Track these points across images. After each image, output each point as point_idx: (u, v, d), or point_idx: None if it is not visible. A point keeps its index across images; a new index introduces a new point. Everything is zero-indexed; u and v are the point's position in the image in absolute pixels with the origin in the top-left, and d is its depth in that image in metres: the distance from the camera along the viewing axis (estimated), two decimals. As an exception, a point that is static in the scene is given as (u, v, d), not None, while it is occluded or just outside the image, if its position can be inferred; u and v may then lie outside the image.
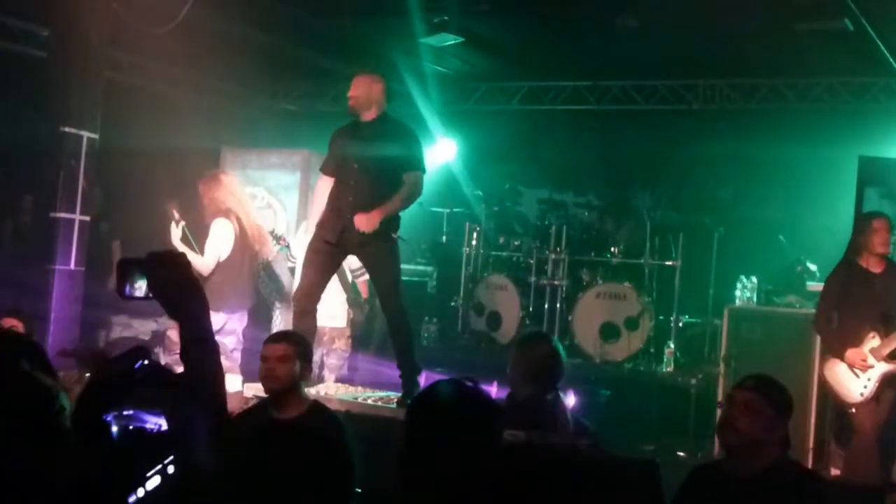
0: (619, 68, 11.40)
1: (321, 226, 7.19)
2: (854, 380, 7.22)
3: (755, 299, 9.30)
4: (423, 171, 7.08)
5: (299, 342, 5.42)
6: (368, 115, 7.13)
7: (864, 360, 7.19)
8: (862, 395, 7.19)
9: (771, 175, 11.38)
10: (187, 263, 2.75)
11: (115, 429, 2.83)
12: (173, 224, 7.84)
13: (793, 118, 11.05)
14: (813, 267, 9.93)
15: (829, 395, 7.66)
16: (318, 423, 4.93)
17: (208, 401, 2.69)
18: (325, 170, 7.34)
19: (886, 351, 7.19)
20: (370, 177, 7.02)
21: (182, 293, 2.70)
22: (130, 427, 3.08)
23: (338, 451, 2.73)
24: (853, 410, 7.30)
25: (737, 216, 11.20)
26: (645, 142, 11.94)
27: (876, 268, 7.43)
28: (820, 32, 8.93)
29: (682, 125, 11.69)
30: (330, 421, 5.06)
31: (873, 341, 7.21)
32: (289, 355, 5.21)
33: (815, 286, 9.68)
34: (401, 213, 7.17)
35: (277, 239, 8.52)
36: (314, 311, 7.16)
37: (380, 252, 7.09)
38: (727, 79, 11.26)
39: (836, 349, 7.39)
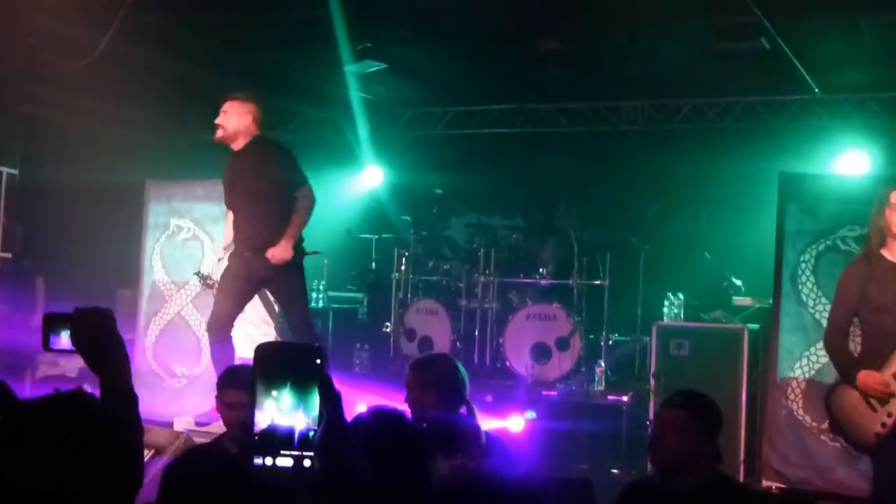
0: (543, 91, 11.51)
1: (231, 258, 7.21)
2: (869, 413, 5.46)
3: (682, 316, 9.42)
4: (308, 181, 7.02)
5: None
6: (237, 145, 7.10)
7: (886, 387, 5.41)
8: (878, 434, 5.42)
9: (695, 193, 11.54)
10: (112, 319, 2.79)
11: None
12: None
13: (715, 137, 11.24)
14: (738, 282, 10.11)
15: (840, 435, 5.87)
16: None
17: (128, 450, 2.70)
18: (224, 201, 7.35)
19: None
20: (255, 208, 7.01)
21: (105, 348, 2.75)
22: None
23: None
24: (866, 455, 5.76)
25: (663, 234, 11.33)
26: (571, 163, 12.05)
27: None
28: (738, 52, 9.08)
29: (607, 146, 11.82)
30: None
31: None
32: None
33: (741, 301, 9.86)
34: (304, 235, 7.14)
35: (203, 279, 8.47)
36: (230, 338, 7.15)
37: (290, 285, 7.11)
38: (650, 100, 11.42)
39: (846, 371, 5.62)
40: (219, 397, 5.06)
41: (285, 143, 7.45)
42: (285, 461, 2.38)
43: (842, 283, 5.79)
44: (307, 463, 2.39)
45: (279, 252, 6.84)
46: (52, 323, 2.82)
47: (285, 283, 7.09)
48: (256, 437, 2.39)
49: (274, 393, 2.44)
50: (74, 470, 2.32)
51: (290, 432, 2.40)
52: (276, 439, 2.38)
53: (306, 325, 7.18)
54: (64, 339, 2.80)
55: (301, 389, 2.44)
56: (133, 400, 2.78)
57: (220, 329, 7.13)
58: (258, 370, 2.51)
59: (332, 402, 2.52)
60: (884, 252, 5.60)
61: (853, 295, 5.64)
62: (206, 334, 8.90)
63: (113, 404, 2.72)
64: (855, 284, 5.65)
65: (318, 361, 2.49)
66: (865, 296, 5.58)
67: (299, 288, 7.19)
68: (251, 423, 2.42)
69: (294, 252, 6.96)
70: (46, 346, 2.82)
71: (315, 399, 2.45)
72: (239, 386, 4.79)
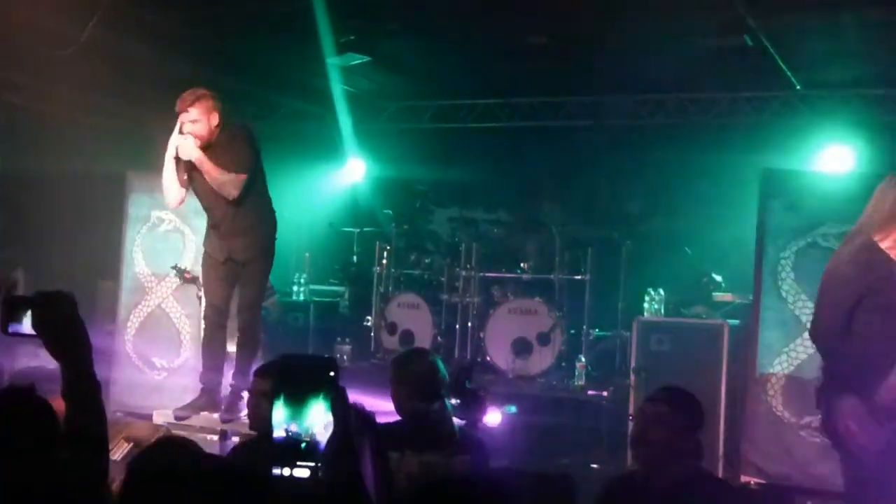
0: (528, 85, 11.50)
1: (208, 245, 7.30)
2: (873, 428, 4.71)
3: (663, 311, 9.44)
4: (245, 172, 6.92)
5: None
6: (213, 139, 7.03)
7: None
8: (883, 452, 4.66)
9: (677, 189, 11.55)
10: (73, 303, 2.78)
11: None
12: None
13: (697, 133, 11.25)
14: (718, 278, 10.14)
15: (833, 440, 5.02)
16: None
17: (94, 436, 2.70)
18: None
19: None
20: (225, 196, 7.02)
21: (66, 332, 2.74)
22: None
23: None
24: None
25: (644, 230, 11.33)
26: (554, 157, 12.05)
27: None
28: (721, 49, 9.10)
29: (590, 141, 11.82)
30: None
31: None
32: None
33: (722, 296, 9.89)
34: (276, 236, 7.31)
35: (181, 273, 8.46)
36: (225, 325, 7.21)
37: (255, 272, 7.23)
38: (633, 95, 11.43)
39: (846, 380, 4.86)
40: (253, 387, 5.11)
41: (249, 126, 7.38)
42: (302, 471, 2.44)
43: (841, 274, 4.91)
44: (319, 473, 2.45)
45: (182, 139, 6.85)
46: (13, 306, 2.82)
47: (255, 264, 7.22)
48: (275, 447, 2.46)
49: (289, 401, 2.50)
50: (35, 466, 2.31)
51: (304, 441, 2.47)
52: (291, 448, 2.45)
53: (255, 306, 7.28)
54: (25, 323, 2.81)
55: (314, 399, 2.52)
56: (95, 385, 2.78)
57: (218, 317, 7.23)
58: (276, 378, 2.58)
59: (342, 414, 2.56)
60: (882, 243, 4.85)
61: (855, 292, 4.79)
62: (186, 327, 8.94)
63: (75, 389, 2.72)
64: (860, 277, 4.81)
65: (332, 373, 2.56)
66: (872, 290, 4.77)
67: (263, 273, 7.33)
68: (269, 431, 2.48)
69: (269, 242, 7.23)
70: (5, 328, 2.82)
71: (325, 409, 2.51)
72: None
